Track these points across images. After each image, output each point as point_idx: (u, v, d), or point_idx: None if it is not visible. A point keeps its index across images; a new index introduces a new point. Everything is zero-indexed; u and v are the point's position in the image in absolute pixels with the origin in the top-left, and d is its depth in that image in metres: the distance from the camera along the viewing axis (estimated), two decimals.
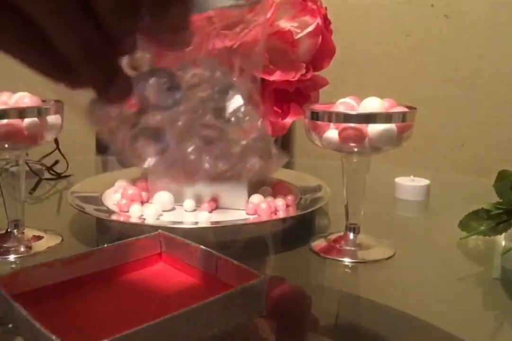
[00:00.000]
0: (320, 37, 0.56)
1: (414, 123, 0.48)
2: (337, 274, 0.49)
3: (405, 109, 0.48)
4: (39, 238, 0.53)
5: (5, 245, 0.51)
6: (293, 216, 0.58)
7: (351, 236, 0.52)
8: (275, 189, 0.65)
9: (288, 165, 1.00)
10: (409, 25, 1.18)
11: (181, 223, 0.56)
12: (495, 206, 0.52)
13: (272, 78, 0.53)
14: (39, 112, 0.48)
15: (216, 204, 0.61)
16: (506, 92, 1.15)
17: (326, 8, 0.60)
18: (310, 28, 0.54)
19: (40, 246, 0.52)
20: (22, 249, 0.51)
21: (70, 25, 0.22)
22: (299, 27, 0.54)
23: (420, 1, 1.17)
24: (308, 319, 0.41)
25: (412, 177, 0.72)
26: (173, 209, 0.61)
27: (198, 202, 0.61)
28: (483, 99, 1.16)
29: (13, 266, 0.49)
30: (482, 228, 0.52)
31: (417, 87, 1.20)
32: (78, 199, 0.61)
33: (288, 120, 0.59)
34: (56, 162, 0.83)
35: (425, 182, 0.71)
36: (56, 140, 0.80)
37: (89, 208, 0.58)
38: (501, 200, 0.52)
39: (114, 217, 0.56)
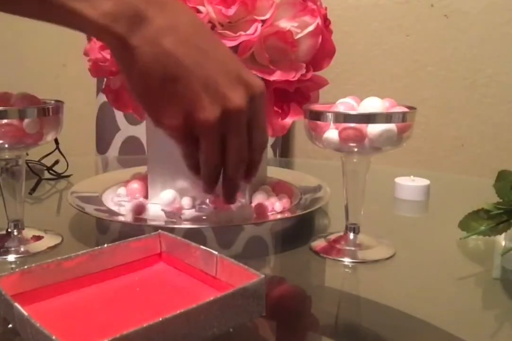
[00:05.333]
0: (320, 37, 0.56)
1: (414, 123, 0.48)
2: (337, 274, 0.49)
3: (405, 109, 0.48)
4: (39, 238, 0.53)
5: (5, 245, 0.51)
6: (293, 216, 0.58)
7: (351, 236, 0.52)
8: (275, 188, 0.65)
9: (288, 166, 1.00)
10: (409, 25, 1.18)
11: (181, 223, 0.56)
12: (495, 206, 0.52)
13: (272, 78, 0.53)
14: (39, 112, 0.48)
15: (216, 204, 0.61)
16: (506, 92, 1.15)
17: (326, 8, 0.60)
18: (310, 28, 0.54)
19: (40, 246, 0.52)
20: (22, 249, 0.51)
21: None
22: (299, 27, 0.54)
23: (420, 1, 1.16)
24: (308, 319, 0.41)
25: (412, 177, 0.72)
26: (173, 208, 0.60)
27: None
28: (483, 99, 1.16)
29: (13, 266, 0.49)
30: (482, 228, 0.52)
31: (417, 87, 1.20)
32: (78, 199, 0.61)
33: (288, 120, 0.59)
34: (56, 162, 0.83)
35: (425, 182, 0.71)
36: (56, 140, 0.80)
37: (89, 208, 0.58)
38: (501, 200, 0.52)
39: (114, 217, 0.56)
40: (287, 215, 0.58)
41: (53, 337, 0.28)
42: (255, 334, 0.38)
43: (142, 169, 0.69)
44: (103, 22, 0.36)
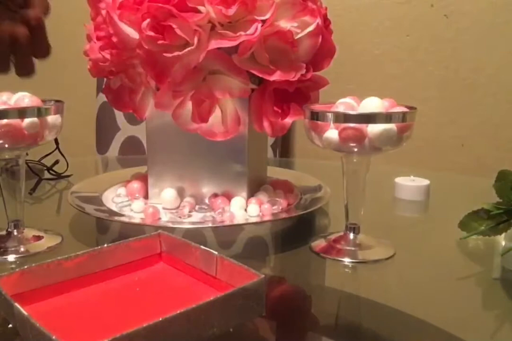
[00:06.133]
0: (320, 37, 0.56)
1: (414, 123, 0.48)
2: (337, 274, 0.49)
3: (405, 109, 0.48)
4: (39, 238, 0.53)
5: (5, 245, 0.51)
6: (293, 216, 0.58)
7: (351, 236, 0.52)
8: (275, 188, 0.65)
9: (288, 166, 1.00)
10: (409, 25, 1.18)
11: (181, 223, 0.56)
12: (495, 206, 0.52)
13: (272, 78, 0.53)
14: (39, 112, 0.48)
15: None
16: (506, 92, 1.15)
17: (326, 8, 0.60)
18: (310, 28, 0.54)
19: (40, 246, 0.52)
20: (22, 249, 0.51)
21: None
22: (299, 27, 0.54)
23: (420, 1, 1.16)
24: (308, 319, 0.41)
25: (412, 177, 0.72)
26: (173, 208, 0.61)
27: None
28: (483, 99, 1.16)
29: (13, 266, 0.48)
30: (482, 228, 0.52)
31: (417, 87, 1.20)
32: (78, 199, 0.61)
33: (288, 120, 0.59)
34: (56, 162, 0.83)
35: (425, 182, 0.71)
36: (56, 140, 0.80)
37: (89, 208, 0.58)
38: (501, 200, 0.52)
39: (114, 217, 0.56)
40: (287, 215, 0.58)
41: (53, 337, 0.28)
42: (255, 334, 0.38)
43: (142, 169, 0.69)
44: None
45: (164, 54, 0.51)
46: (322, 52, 0.57)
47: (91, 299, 0.38)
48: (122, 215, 0.58)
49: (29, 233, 0.53)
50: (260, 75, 0.54)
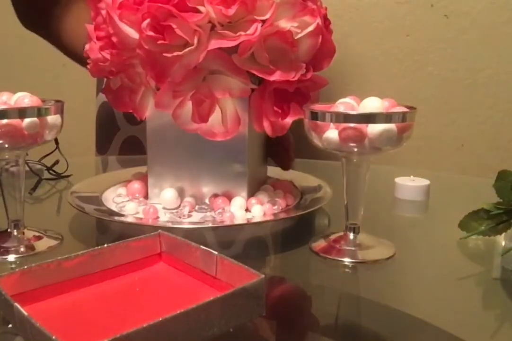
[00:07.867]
0: (320, 37, 0.56)
1: (414, 123, 0.48)
2: (337, 274, 0.49)
3: (405, 109, 0.48)
4: (39, 238, 0.53)
5: (5, 245, 0.51)
6: (293, 216, 0.58)
7: (351, 236, 0.52)
8: (275, 188, 0.65)
9: None
10: (409, 25, 1.18)
11: (181, 223, 0.56)
12: (495, 206, 0.52)
13: (272, 78, 0.53)
14: (39, 112, 0.48)
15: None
16: (506, 92, 1.15)
17: (326, 8, 0.60)
18: (310, 28, 0.54)
19: (40, 246, 0.52)
20: (22, 249, 0.51)
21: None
22: (299, 27, 0.54)
23: (420, 1, 1.16)
24: (308, 319, 0.41)
25: (412, 177, 0.72)
26: (173, 208, 0.61)
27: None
28: (483, 99, 1.16)
29: (13, 266, 0.48)
30: (482, 228, 0.52)
31: (417, 87, 1.19)
32: (78, 199, 0.61)
33: (288, 120, 0.59)
34: (56, 162, 0.83)
35: (425, 182, 0.71)
36: (56, 140, 0.80)
37: (89, 208, 0.58)
38: (501, 200, 0.52)
39: (114, 217, 0.56)
40: (287, 215, 0.58)
41: (53, 337, 0.28)
42: (255, 334, 0.38)
43: (142, 169, 0.69)
44: None
45: (164, 54, 0.51)
46: (322, 52, 0.57)
47: (91, 299, 0.38)
48: (122, 215, 0.58)
49: (29, 233, 0.53)
50: (260, 75, 0.54)
